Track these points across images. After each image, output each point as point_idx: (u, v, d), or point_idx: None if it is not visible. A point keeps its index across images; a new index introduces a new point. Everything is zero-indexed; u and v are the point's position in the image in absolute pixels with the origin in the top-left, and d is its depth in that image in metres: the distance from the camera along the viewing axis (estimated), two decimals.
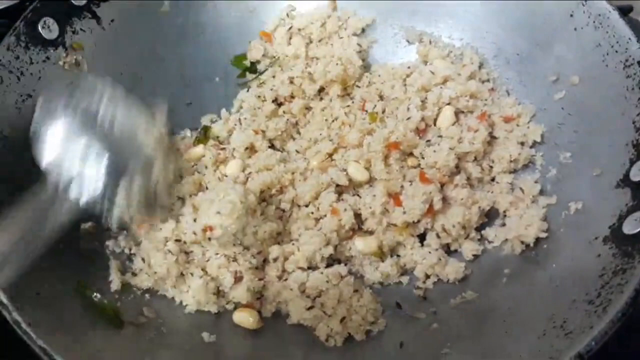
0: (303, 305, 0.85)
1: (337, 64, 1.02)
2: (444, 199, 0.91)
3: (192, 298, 0.86)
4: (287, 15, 1.12)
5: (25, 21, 0.87)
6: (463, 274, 0.89)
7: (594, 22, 0.86)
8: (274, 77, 1.07)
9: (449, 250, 0.93)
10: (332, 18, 1.10)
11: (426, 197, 0.89)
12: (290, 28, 1.10)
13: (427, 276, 0.90)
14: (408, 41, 1.10)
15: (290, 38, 1.10)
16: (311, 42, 1.10)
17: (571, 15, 0.89)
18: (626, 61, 0.81)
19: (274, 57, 1.10)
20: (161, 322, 0.83)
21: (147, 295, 0.87)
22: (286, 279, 0.89)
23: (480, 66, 1.03)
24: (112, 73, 0.98)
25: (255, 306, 0.88)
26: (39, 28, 0.89)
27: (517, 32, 0.98)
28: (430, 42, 1.07)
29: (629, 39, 0.82)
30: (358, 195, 0.95)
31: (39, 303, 0.70)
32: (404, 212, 0.90)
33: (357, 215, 0.93)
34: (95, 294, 0.78)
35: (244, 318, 0.85)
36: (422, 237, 0.93)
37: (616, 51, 0.83)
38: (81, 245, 0.84)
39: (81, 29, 0.95)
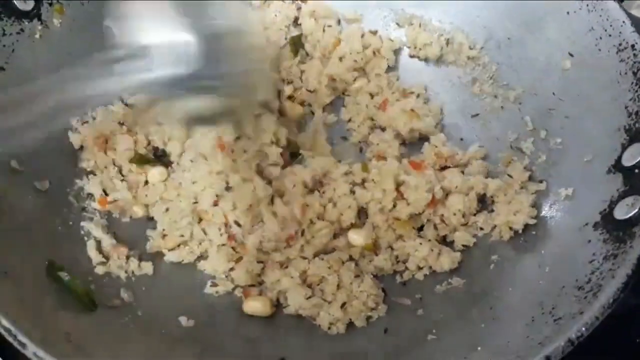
0: (303, 295, 0.82)
1: None
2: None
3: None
4: None
5: None
6: (457, 264, 0.86)
7: (587, 5, 0.84)
8: None
9: (443, 241, 0.90)
10: None
11: (429, 186, 0.86)
12: None
13: (420, 268, 0.87)
14: (398, 24, 1.07)
15: None
16: None
17: None
18: (619, 45, 0.79)
19: None
20: (137, 305, 0.80)
21: (124, 278, 0.83)
22: (287, 267, 0.86)
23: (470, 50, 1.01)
24: (90, 50, 0.95)
25: (252, 293, 0.85)
26: None
27: (508, 16, 0.95)
28: (420, 26, 1.05)
29: (623, 22, 0.80)
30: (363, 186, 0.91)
31: (6, 283, 0.67)
32: (408, 204, 0.86)
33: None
34: (66, 274, 0.74)
35: (256, 307, 0.82)
36: (418, 230, 0.90)
37: (609, 35, 0.81)
38: (53, 225, 0.81)
39: (58, 2, 0.91)
